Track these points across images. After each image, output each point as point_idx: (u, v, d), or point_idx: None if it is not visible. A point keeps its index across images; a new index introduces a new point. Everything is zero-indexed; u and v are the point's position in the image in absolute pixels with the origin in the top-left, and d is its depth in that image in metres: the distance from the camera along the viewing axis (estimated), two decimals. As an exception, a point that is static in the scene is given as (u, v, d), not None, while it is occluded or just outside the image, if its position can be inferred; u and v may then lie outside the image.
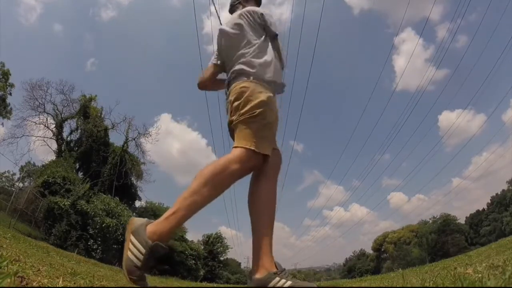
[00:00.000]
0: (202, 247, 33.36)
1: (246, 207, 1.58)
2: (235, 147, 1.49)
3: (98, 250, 15.71)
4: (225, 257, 38.28)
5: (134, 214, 22.37)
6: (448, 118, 68.59)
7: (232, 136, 1.61)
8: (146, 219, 1.38)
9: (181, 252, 24.51)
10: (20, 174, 28.38)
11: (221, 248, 36.55)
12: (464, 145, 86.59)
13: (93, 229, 15.91)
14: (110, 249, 16.20)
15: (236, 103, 1.56)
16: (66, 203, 15.26)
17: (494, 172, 61.59)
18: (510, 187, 41.60)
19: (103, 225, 16.10)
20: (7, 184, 30.61)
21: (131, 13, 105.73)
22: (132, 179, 24.57)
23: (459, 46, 64.71)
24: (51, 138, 22.20)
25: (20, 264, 1.37)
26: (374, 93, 70.74)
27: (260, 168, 1.57)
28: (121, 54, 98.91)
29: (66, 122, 22.79)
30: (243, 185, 1.63)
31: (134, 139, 24.72)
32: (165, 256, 21.56)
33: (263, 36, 1.69)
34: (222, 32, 1.76)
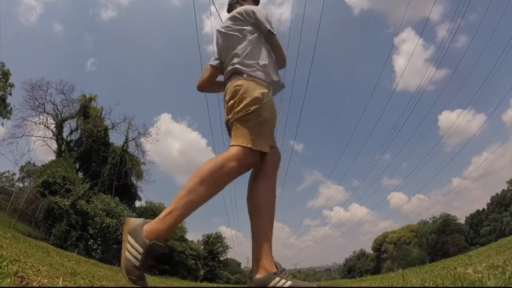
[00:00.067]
0: (202, 247, 33.38)
1: (246, 207, 1.57)
2: (232, 145, 1.48)
3: (98, 250, 15.72)
4: (225, 257, 38.32)
5: (134, 214, 22.37)
6: (448, 118, 68.65)
7: (230, 135, 1.61)
8: (142, 219, 1.38)
9: (181, 252, 24.51)
10: (20, 174, 28.42)
11: (221, 248, 36.58)
12: (464, 145, 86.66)
13: (93, 229, 15.92)
14: (110, 249, 16.20)
15: (231, 102, 1.56)
16: (66, 203, 15.26)
17: (494, 172, 61.65)
18: (510, 187, 41.59)
19: (103, 225, 16.10)
20: (7, 184, 30.63)
21: (131, 13, 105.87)
22: (132, 179, 24.59)
23: (459, 46, 64.78)
24: (51, 138, 22.23)
25: (20, 264, 1.37)
26: (374, 93, 70.74)
27: (258, 167, 1.56)
28: (121, 54, 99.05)
29: (66, 122, 22.81)
30: (243, 185, 1.62)
31: (134, 139, 24.75)
32: (165, 256, 21.60)
33: (257, 34, 1.69)
34: (217, 33, 1.79)
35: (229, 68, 1.64)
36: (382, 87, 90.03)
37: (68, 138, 23.03)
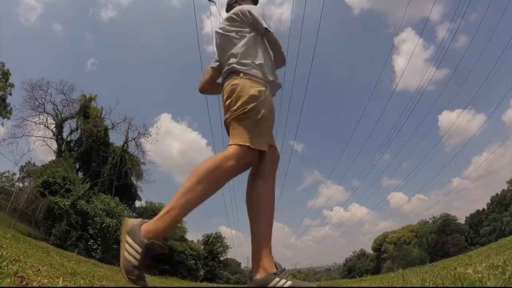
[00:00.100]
0: (202, 247, 33.38)
1: (246, 207, 1.57)
2: (230, 144, 1.48)
3: (98, 250, 15.72)
4: (225, 257, 38.33)
5: (134, 214, 22.39)
6: (448, 118, 68.45)
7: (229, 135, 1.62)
8: (140, 219, 1.38)
9: (181, 252, 24.51)
10: (20, 174, 28.41)
11: (221, 248, 36.59)
12: (464, 145, 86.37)
13: (93, 229, 15.92)
14: (110, 249, 16.20)
15: (228, 101, 1.57)
16: (66, 203, 15.27)
17: (494, 172, 61.58)
18: (510, 187, 41.60)
19: (103, 225, 16.11)
20: (7, 184, 30.63)
21: (131, 13, 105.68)
22: (132, 179, 24.60)
23: (459, 46, 64.54)
24: (51, 138, 22.24)
25: (20, 264, 1.37)
26: (374, 93, 70.59)
27: (257, 166, 1.56)
28: (121, 54, 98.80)
29: (66, 122, 22.82)
30: (243, 184, 1.61)
31: (134, 139, 24.76)
32: (165, 256, 21.60)
33: (254, 34, 1.69)
34: (216, 34, 1.80)
35: (226, 68, 1.65)
36: (382, 87, 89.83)
37: (68, 138, 23.08)
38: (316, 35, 15.73)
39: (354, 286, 3.21)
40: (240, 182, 1.68)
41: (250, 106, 1.48)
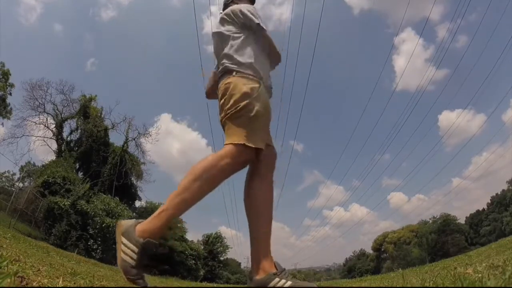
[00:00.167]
0: (202, 247, 33.39)
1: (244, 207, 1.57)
2: (226, 144, 1.47)
3: (98, 250, 15.72)
4: (225, 257, 38.34)
5: (134, 214, 22.40)
6: (448, 118, 68.37)
7: None
8: (134, 219, 1.39)
9: (181, 252, 24.52)
10: (20, 174, 28.43)
11: (221, 248, 36.60)
12: (464, 145, 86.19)
13: (93, 229, 15.92)
14: (110, 249, 16.20)
15: (222, 101, 1.56)
16: (66, 203, 15.27)
17: (494, 172, 61.57)
18: (510, 187, 41.60)
19: (103, 225, 16.11)
20: (7, 184, 30.64)
21: (131, 13, 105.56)
22: (132, 179, 24.62)
23: (459, 46, 64.48)
24: (51, 138, 22.26)
25: (20, 264, 1.37)
26: (374, 93, 70.46)
27: (254, 166, 1.55)
28: (121, 54, 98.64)
29: (66, 122, 22.85)
30: (243, 184, 1.61)
31: (134, 139, 24.79)
32: (165, 256, 21.61)
33: (246, 32, 1.68)
34: (212, 36, 1.80)
35: (220, 68, 1.65)
36: (382, 87, 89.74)
37: (68, 138, 23.10)
38: (316, 35, 15.75)
39: (354, 286, 3.21)
40: (240, 182, 1.67)
41: (242, 104, 1.47)
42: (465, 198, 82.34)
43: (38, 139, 21.90)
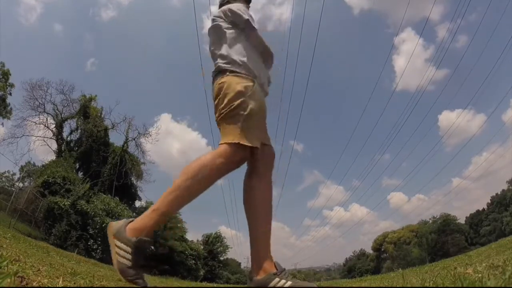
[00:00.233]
0: (202, 247, 33.38)
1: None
2: (221, 143, 1.47)
3: (98, 250, 15.70)
4: (225, 257, 38.33)
5: (134, 214, 22.37)
6: (448, 118, 68.40)
7: None
8: (124, 220, 1.38)
9: (181, 252, 24.50)
10: (20, 174, 28.43)
11: (221, 248, 36.59)
12: (464, 145, 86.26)
13: (93, 229, 15.91)
14: (110, 249, 16.19)
15: (216, 101, 1.56)
16: (66, 203, 15.26)
17: (494, 172, 61.59)
18: (510, 187, 41.60)
19: (103, 225, 16.07)
20: (7, 184, 30.64)
21: (131, 13, 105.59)
22: (132, 179, 24.62)
23: (459, 46, 64.51)
24: (51, 138, 22.26)
25: (20, 264, 1.37)
26: (374, 93, 70.50)
27: (252, 165, 1.55)
28: (121, 54, 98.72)
29: (66, 122, 22.85)
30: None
31: (134, 139, 24.79)
32: (165, 256, 21.60)
33: (237, 31, 1.68)
34: (208, 34, 1.81)
35: (214, 68, 1.65)
36: (382, 87, 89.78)
37: (68, 138, 23.10)
38: (316, 35, 15.74)
39: (354, 286, 3.21)
40: (240, 182, 1.67)
41: (236, 103, 1.47)
42: (465, 198, 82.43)
43: (38, 139, 21.93)
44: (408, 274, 3.49)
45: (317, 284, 1.92)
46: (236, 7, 1.70)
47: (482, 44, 50.62)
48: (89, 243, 15.53)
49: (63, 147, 21.88)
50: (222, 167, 1.42)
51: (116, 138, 27.80)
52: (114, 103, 31.93)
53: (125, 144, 24.12)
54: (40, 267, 1.48)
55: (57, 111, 22.42)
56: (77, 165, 22.05)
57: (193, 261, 26.50)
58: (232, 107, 1.47)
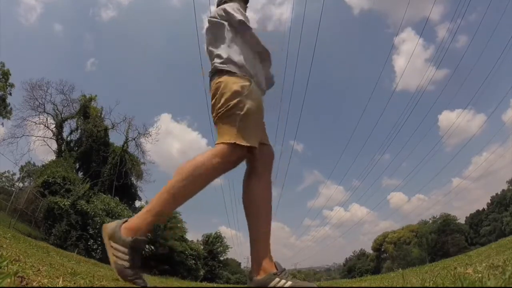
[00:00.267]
0: (202, 247, 33.38)
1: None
2: (217, 143, 1.46)
3: (98, 250, 15.69)
4: (225, 257, 38.36)
5: (134, 214, 22.31)
6: (448, 118, 68.44)
7: None
8: (117, 221, 1.38)
9: (181, 252, 24.51)
10: (20, 174, 28.42)
11: (221, 248, 36.60)
12: (464, 145, 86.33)
13: (93, 229, 15.90)
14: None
15: (213, 101, 1.56)
16: (66, 203, 15.26)
17: (494, 172, 61.63)
18: (510, 187, 41.60)
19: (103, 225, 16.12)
20: (7, 184, 30.65)
21: (131, 13, 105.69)
22: (132, 179, 24.62)
23: (459, 46, 64.53)
24: (51, 138, 22.26)
25: (20, 264, 1.37)
26: (374, 93, 70.50)
27: (252, 165, 1.55)
28: (121, 54, 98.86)
29: (66, 122, 22.85)
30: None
31: (134, 139, 24.79)
32: (165, 256, 21.60)
33: (233, 31, 1.67)
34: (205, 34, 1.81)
35: (211, 69, 1.65)
36: (382, 87, 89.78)
37: (68, 138, 23.10)
38: (316, 35, 15.73)
39: (354, 286, 3.21)
40: (240, 182, 1.67)
41: (233, 102, 1.46)
42: (465, 198, 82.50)
43: (38, 139, 21.93)
44: (408, 274, 3.49)
45: (317, 284, 1.92)
46: (231, 7, 1.70)
47: (482, 44, 50.65)
48: (89, 243, 15.53)
49: (63, 147, 21.88)
50: (218, 167, 1.42)
51: (116, 138, 27.80)
52: (114, 103, 31.94)
53: (125, 144, 24.12)
54: (40, 267, 1.48)
55: (57, 111, 22.44)
56: (77, 165, 22.05)
57: (193, 261, 26.51)
58: (229, 106, 1.46)
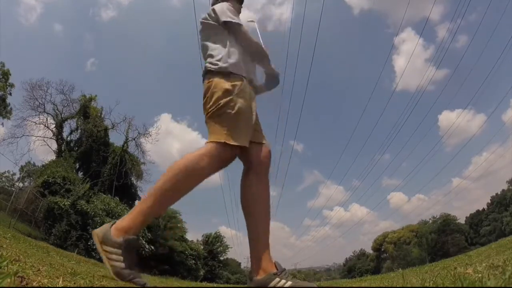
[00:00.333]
0: (202, 247, 33.38)
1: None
2: (207, 142, 1.46)
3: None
4: (225, 257, 38.34)
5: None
6: (448, 118, 68.41)
7: None
8: (105, 224, 1.38)
9: (181, 252, 24.52)
10: (20, 174, 28.40)
11: (221, 248, 36.59)
12: (464, 145, 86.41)
13: (93, 229, 15.88)
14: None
15: (204, 100, 1.56)
16: (66, 203, 15.26)
17: (494, 172, 61.61)
18: (510, 187, 41.59)
19: (103, 225, 16.13)
20: (7, 184, 30.62)
21: (131, 13, 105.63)
22: (132, 179, 24.61)
23: (459, 46, 64.53)
24: (51, 138, 22.26)
25: (20, 264, 1.37)
26: (374, 93, 70.50)
27: (249, 165, 1.55)
28: (121, 54, 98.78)
29: (66, 122, 22.85)
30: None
31: (134, 139, 24.78)
32: (165, 256, 21.58)
33: (224, 31, 1.67)
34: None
35: (203, 69, 1.65)
36: (382, 87, 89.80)
37: (68, 138, 23.10)
38: (316, 35, 15.71)
39: (354, 286, 3.21)
40: (239, 182, 1.67)
41: (223, 101, 1.46)
42: (465, 198, 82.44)
43: (38, 139, 21.93)
44: (408, 274, 3.49)
45: (317, 284, 1.92)
46: (219, 7, 1.70)
47: (482, 44, 50.68)
48: (89, 243, 15.51)
49: (63, 147, 21.88)
50: (208, 166, 1.42)
51: (116, 138, 27.79)
52: (114, 103, 31.94)
53: (125, 144, 24.12)
54: (40, 267, 1.48)
55: (57, 111, 22.44)
56: (77, 165, 22.05)
57: (193, 261, 26.50)
58: (219, 105, 1.47)
